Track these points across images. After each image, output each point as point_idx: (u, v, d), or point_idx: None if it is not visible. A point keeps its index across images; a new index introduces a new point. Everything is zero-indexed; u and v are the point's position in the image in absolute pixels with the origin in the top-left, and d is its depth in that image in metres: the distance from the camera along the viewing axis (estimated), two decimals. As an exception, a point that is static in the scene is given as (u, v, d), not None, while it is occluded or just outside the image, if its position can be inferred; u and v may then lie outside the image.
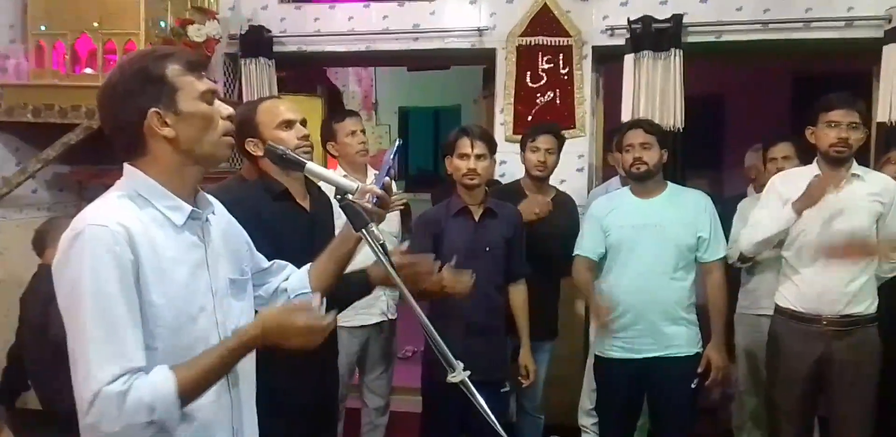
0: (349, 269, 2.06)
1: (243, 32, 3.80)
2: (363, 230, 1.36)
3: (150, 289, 1.21)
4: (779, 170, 2.85)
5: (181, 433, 1.26)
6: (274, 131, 1.88)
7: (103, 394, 1.13)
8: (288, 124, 1.91)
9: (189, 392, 1.21)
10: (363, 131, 2.99)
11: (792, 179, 2.59)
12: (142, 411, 1.15)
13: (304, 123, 1.96)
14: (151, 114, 1.25)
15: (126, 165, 1.31)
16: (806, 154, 2.67)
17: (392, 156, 1.69)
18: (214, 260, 1.36)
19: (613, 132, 3.39)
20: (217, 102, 1.33)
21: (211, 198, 1.42)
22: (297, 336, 1.27)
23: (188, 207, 1.32)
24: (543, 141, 2.89)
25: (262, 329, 1.26)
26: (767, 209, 2.59)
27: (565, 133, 3.59)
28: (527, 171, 2.97)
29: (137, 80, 1.26)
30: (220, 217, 1.43)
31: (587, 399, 3.39)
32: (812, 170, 2.57)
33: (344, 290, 1.71)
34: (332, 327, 1.30)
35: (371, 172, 3.09)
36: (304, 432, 1.97)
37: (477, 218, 2.52)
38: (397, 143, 1.77)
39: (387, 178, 1.57)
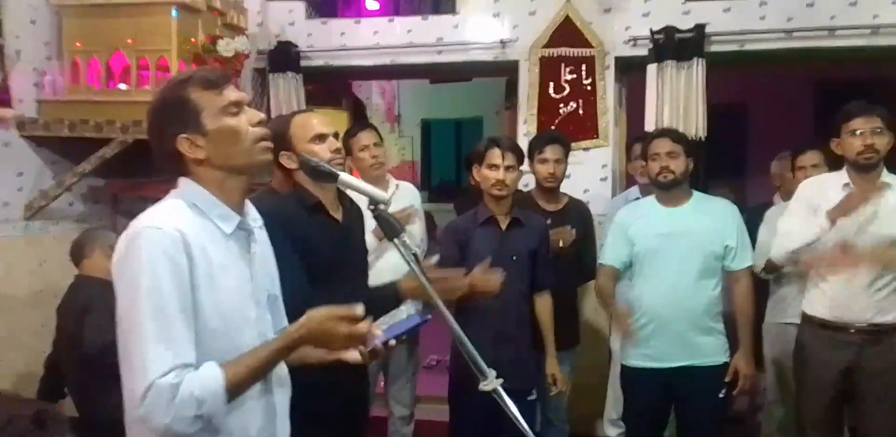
0: (377, 280, 2.11)
1: (271, 48, 3.88)
2: (395, 240, 1.40)
3: (201, 293, 1.27)
4: (807, 178, 2.84)
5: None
6: (307, 145, 1.92)
7: (156, 386, 1.18)
8: (321, 138, 1.94)
9: (235, 388, 1.27)
10: (376, 145, 2.98)
11: (821, 186, 2.58)
12: (192, 404, 1.20)
13: (336, 136, 2.00)
14: (181, 140, 1.32)
15: (181, 177, 1.38)
16: (834, 162, 2.66)
17: (414, 325, 1.52)
18: (258, 272, 1.41)
19: (633, 141, 3.41)
20: (246, 110, 1.38)
21: (255, 212, 1.47)
22: (336, 342, 1.34)
23: (237, 217, 1.38)
24: (551, 152, 2.90)
25: (308, 331, 1.32)
26: (797, 217, 2.57)
27: (588, 143, 3.64)
28: (537, 182, 2.99)
29: (165, 109, 1.35)
30: (263, 232, 1.48)
31: (612, 409, 3.38)
32: (841, 177, 2.55)
33: (375, 302, 1.73)
34: (369, 337, 1.37)
35: (392, 183, 3.12)
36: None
37: (504, 227, 2.54)
38: (427, 317, 1.54)
39: (394, 340, 1.46)
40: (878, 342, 2.46)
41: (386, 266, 2.66)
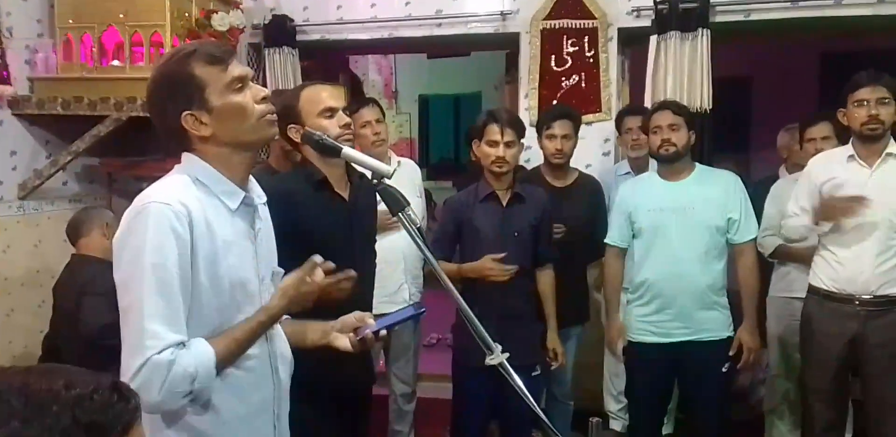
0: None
1: (266, 22, 3.80)
2: (400, 214, 1.37)
3: (201, 269, 1.26)
4: (817, 150, 2.80)
5: (229, 416, 1.32)
6: (316, 119, 1.88)
7: (152, 362, 1.19)
8: (331, 112, 1.90)
9: (223, 364, 1.29)
10: (378, 121, 2.94)
11: (828, 161, 2.56)
12: (185, 380, 1.21)
13: (346, 110, 1.96)
14: (185, 117, 1.30)
15: (185, 153, 1.36)
16: (845, 133, 2.62)
17: (406, 317, 1.57)
18: (261, 248, 1.41)
19: (619, 115, 3.36)
20: (251, 86, 1.35)
21: (259, 188, 1.45)
22: (321, 294, 1.42)
23: (241, 193, 1.36)
24: (559, 127, 2.86)
25: (285, 299, 1.37)
26: (803, 198, 2.58)
27: (591, 117, 3.58)
28: (545, 158, 2.95)
29: (168, 85, 1.31)
30: (266, 208, 1.47)
31: (611, 384, 3.39)
32: (846, 151, 2.53)
33: None
34: (353, 277, 1.45)
35: (394, 160, 3.08)
36: (340, 417, 1.99)
37: (505, 203, 2.51)
38: (421, 310, 1.59)
39: (384, 330, 1.49)
40: (883, 314, 2.46)
41: (388, 245, 2.62)
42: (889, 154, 2.47)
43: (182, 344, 1.22)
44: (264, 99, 1.35)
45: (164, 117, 1.32)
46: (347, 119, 1.94)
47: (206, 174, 1.33)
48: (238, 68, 1.34)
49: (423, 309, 1.62)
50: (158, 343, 1.19)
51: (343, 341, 1.51)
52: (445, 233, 2.56)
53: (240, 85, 1.32)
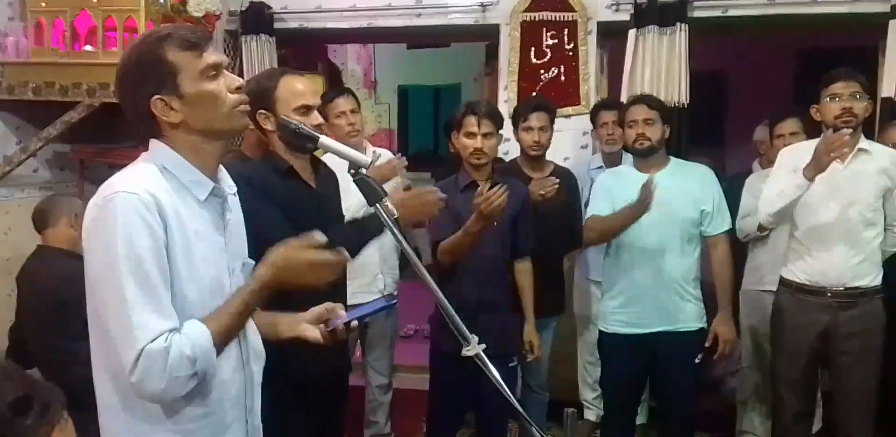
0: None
1: (243, 9, 3.76)
2: (377, 205, 1.36)
3: (177, 260, 1.24)
4: (786, 146, 2.84)
5: (198, 409, 1.29)
6: (290, 113, 1.84)
7: (147, 352, 1.16)
8: (306, 110, 1.88)
9: (221, 341, 1.26)
10: (354, 111, 2.91)
11: (800, 152, 2.58)
12: (185, 364, 1.19)
13: (320, 108, 1.94)
14: (155, 102, 1.26)
15: (152, 140, 1.32)
16: (813, 130, 2.67)
17: (378, 309, 1.56)
18: (232, 239, 1.38)
19: (595, 109, 3.37)
20: (225, 74, 1.32)
21: (229, 178, 1.42)
22: (308, 273, 1.31)
23: (211, 184, 1.33)
24: (536, 119, 2.85)
25: (274, 268, 1.30)
26: (781, 182, 2.58)
27: (570, 110, 3.59)
28: (522, 150, 2.95)
29: (139, 67, 1.27)
30: (236, 199, 1.44)
31: (586, 373, 3.42)
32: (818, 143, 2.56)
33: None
34: (343, 262, 1.34)
35: (370, 150, 3.06)
36: (315, 408, 1.98)
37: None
38: (392, 302, 1.61)
39: (356, 321, 1.49)
40: (852, 306, 2.51)
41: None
42: (861, 149, 2.51)
43: (174, 330, 1.20)
44: (238, 88, 1.32)
45: (133, 101, 1.28)
46: (320, 120, 1.91)
47: (174, 163, 1.29)
48: (213, 55, 1.30)
49: (394, 300, 1.63)
50: (148, 333, 1.17)
51: (314, 333, 1.49)
52: (444, 215, 2.51)
53: (214, 73, 1.29)
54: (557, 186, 2.76)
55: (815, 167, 2.41)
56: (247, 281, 1.33)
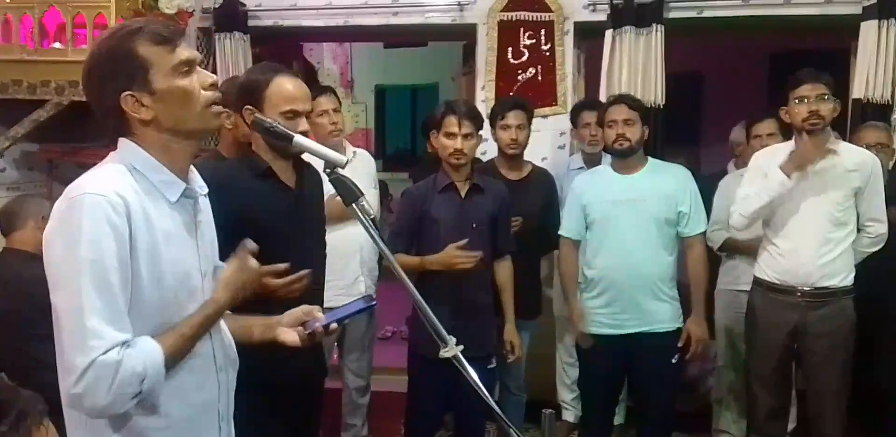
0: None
1: (217, 6, 3.70)
2: (354, 205, 1.34)
3: (141, 264, 1.19)
4: (763, 146, 2.87)
5: (173, 417, 1.26)
6: (277, 115, 1.80)
7: (99, 363, 1.12)
8: (294, 115, 1.85)
9: (172, 361, 1.23)
10: (335, 110, 2.89)
11: (773, 155, 2.61)
12: (134, 381, 1.15)
13: (309, 115, 1.91)
14: (125, 97, 1.22)
15: (121, 138, 1.27)
16: (790, 130, 2.69)
17: (357, 310, 1.53)
18: (203, 242, 1.35)
19: (576, 109, 3.38)
20: (199, 71, 1.28)
21: (200, 179, 1.38)
22: (258, 283, 1.39)
23: (182, 184, 1.29)
24: (513, 117, 2.85)
25: (232, 290, 1.32)
26: (753, 185, 2.61)
27: (547, 110, 3.59)
28: (499, 149, 2.94)
29: (109, 62, 1.23)
30: (207, 202, 1.40)
31: (564, 374, 3.43)
32: (789, 146, 2.60)
33: None
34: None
35: (349, 150, 3.03)
36: (290, 412, 1.95)
37: (463, 194, 2.49)
38: (371, 303, 1.58)
39: (335, 323, 1.45)
40: (822, 306, 2.54)
41: (344, 236, 2.58)
42: (829, 149, 2.54)
43: (126, 343, 1.15)
44: (212, 85, 1.28)
45: (102, 97, 1.24)
46: (307, 127, 1.87)
47: (144, 163, 1.25)
48: (186, 51, 1.26)
49: (373, 302, 1.59)
50: (103, 343, 1.12)
51: (291, 336, 1.45)
52: (404, 225, 2.53)
53: (187, 69, 1.25)
54: (520, 224, 2.78)
55: (798, 163, 2.45)
56: (204, 302, 1.30)
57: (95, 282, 1.13)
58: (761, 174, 2.60)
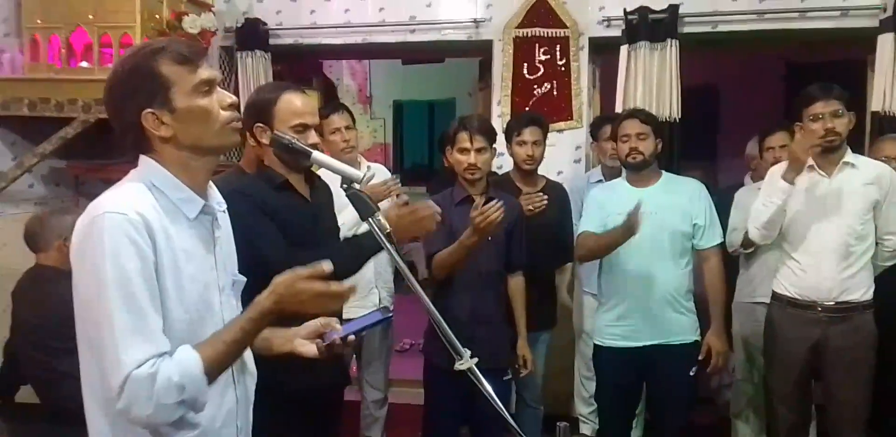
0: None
1: (239, 25, 3.79)
2: (370, 219, 1.37)
3: (166, 280, 1.21)
4: (776, 158, 2.88)
5: (188, 432, 1.27)
6: (287, 130, 1.84)
7: (133, 378, 1.14)
8: (304, 128, 1.89)
9: (214, 369, 1.23)
10: (348, 128, 2.93)
11: None
12: (172, 391, 1.16)
13: (318, 128, 1.95)
14: (145, 115, 1.24)
15: (142, 156, 1.30)
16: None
17: (374, 322, 1.53)
18: (222, 257, 1.36)
19: (596, 122, 3.41)
20: (218, 91, 1.31)
21: (219, 195, 1.41)
22: (311, 303, 1.27)
23: (200, 201, 1.31)
24: (529, 133, 2.88)
25: (278, 296, 1.25)
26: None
27: (562, 124, 3.62)
28: (515, 164, 2.97)
29: (131, 79, 1.25)
30: (226, 218, 1.42)
31: (582, 387, 3.42)
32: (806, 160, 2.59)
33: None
34: (349, 294, 1.30)
35: (364, 165, 3.08)
36: (309, 423, 1.97)
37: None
38: (388, 315, 1.58)
39: (353, 335, 1.46)
40: (843, 321, 2.52)
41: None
42: (846, 163, 2.53)
43: (165, 354, 1.18)
44: (231, 105, 1.31)
45: (123, 114, 1.26)
46: (316, 139, 1.91)
47: (164, 181, 1.27)
48: (207, 71, 1.29)
49: (390, 314, 1.60)
50: (136, 357, 1.14)
51: (309, 348, 1.46)
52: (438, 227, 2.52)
53: (207, 88, 1.28)
54: (546, 201, 2.78)
55: (794, 167, 2.46)
56: (246, 307, 1.29)
57: (122, 299, 1.15)
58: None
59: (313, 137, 1.90)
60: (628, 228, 2.43)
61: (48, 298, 2.39)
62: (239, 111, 1.35)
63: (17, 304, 2.57)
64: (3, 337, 2.72)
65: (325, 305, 1.28)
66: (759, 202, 2.62)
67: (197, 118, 1.26)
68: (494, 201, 2.30)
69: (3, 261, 3.13)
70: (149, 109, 1.24)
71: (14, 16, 3.21)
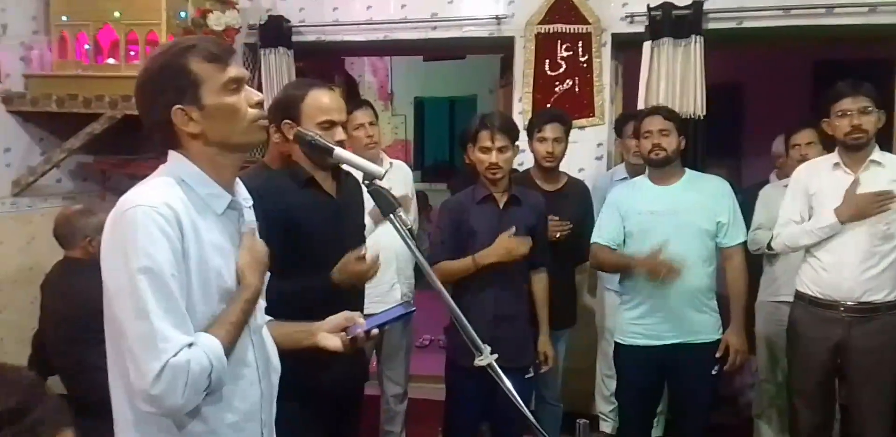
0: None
1: (262, 22, 3.81)
2: (391, 215, 1.38)
3: (192, 272, 1.24)
4: (802, 156, 2.84)
5: (217, 425, 1.30)
6: (314, 127, 1.86)
7: (172, 365, 1.16)
8: (330, 125, 1.90)
9: (230, 348, 1.28)
10: (371, 124, 2.95)
11: (814, 169, 2.59)
12: (204, 376, 1.21)
13: (345, 125, 1.96)
14: (175, 112, 1.26)
15: (171, 151, 1.33)
16: (830, 140, 2.66)
17: (397, 316, 1.58)
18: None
19: (620, 119, 3.38)
20: (246, 89, 1.33)
21: (245, 191, 1.43)
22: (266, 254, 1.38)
23: (228, 196, 1.34)
24: (550, 130, 2.86)
25: (257, 272, 1.34)
26: (798, 202, 2.60)
27: (584, 121, 3.60)
28: (536, 161, 2.96)
29: (162, 76, 1.28)
30: (251, 213, 1.45)
31: (603, 386, 3.41)
32: (831, 159, 2.57)
33: None
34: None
35: (386, 161, 3.09)
36: (330, 417, 1.99)
37: (501, 205, 2.51)
38: (411, 309, 1.62)
39: (376, 329, 1.51)
40: (867, 321, 2.49)
41: (380, 244, 2.63)
42: (873, 161, 2.50)
43: (191, 344, 1.21)
44: (258, 103, 1.33)
45: (153, 109, 1.29)
46: (343, 136, 1.92)
47: (192, 176, 1.30)
48: (236, 69, 1.31)
49: (412, 308, 1.62)
50: (171, 346, 1.17)
51: (333, 342, 1.50)
52: (446, 235, 2.54)
53: (235, 86, 1.30)
54: (569, 231, 2.80)
55: (852, 214, 2.43)
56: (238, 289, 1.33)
57: (155, 289, 1.18)
58: (802, 192, 2.57)
59: (340, 133, 1.91)
60: (644, 263, 2.51)
61: (77, 289, 2.43)
62: (264, 109, 1.37)
63: (46, 295, 2.63)
64: (33, 328, 2.77)
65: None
66: (787, 211, 2.61)
67: (225, 115, 1.29)
68: (527, 239, 2.38)
69: (31, 254, 3.19)
70: (178, 106, 1.26)
71: (42, 13, 3.26)
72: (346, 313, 1.53)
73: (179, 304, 1.21)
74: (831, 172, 2.52)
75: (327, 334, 1.51)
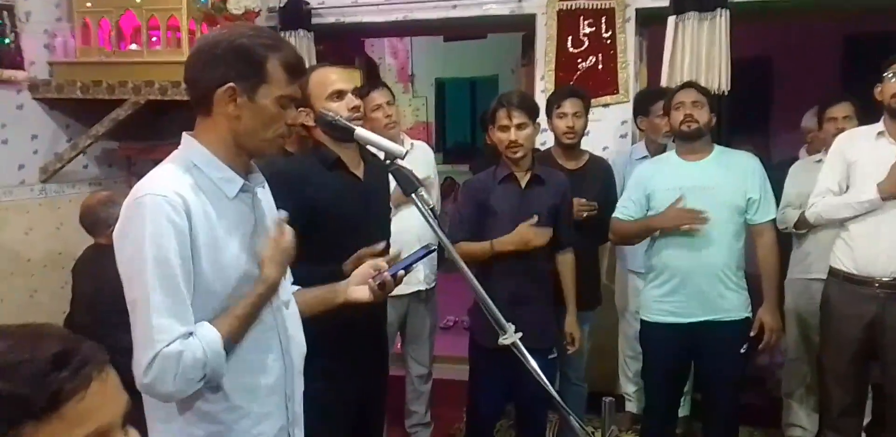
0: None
1: (282, 5, 3.80)
2: (413, 195, 1.37)
3: (202, 258, 1.26)
4: (837, 130, 2.75)
5: (240, 399, 1.33)
6: (325, 102, 1.87)
7: (162, 355, 1.20)
8: (339, 94, 1.90)
9: (230, 342, 1.30)
10: (389, 104, 2.93)
11: (853, 139, 2.51)
12: (197, 367, 1.23)
13: (355, 92, 1.95)
14: (228, 88, 1.29)
15: (185, 134, 1.35)
16: (866, 114, 2.58)
17: (420, 256, 1.63)
18: (262, 234, 1.40)
19: (644, 98, 3.31)
20: (291, 109, 1.37)
21: (260, 175, 1.45)
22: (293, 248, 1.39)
23: (240, 180, 1.35)
24: (570, 105, 2.82)
25: (278, 266, 1.35)
26: (837, 173, 2.52)
27: (608, 99, 3.55)
28: (556, 138, 2.92)
29: (237, 54, 1.30)
30: (266, 193, 1.47)
31: (626, 366, 3.40)
32: (875, 128, 2.48)
33: None
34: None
35: (407, 142, 3.08)
36: (354, 398, 2.01)
37: (523, 185, 2.49)
38: (433, 249, 1.67)
39: (402, 270, 1.56)
40: None
41: (403, 225, 2.63)
42: None
43: (191, 333, 1.24)
44: (290, 125, 1.38)
45: (209, 71, 1.30)
46: (357, 101, 1.93)
47: (204, 160, 1.32)
48: (295, 89, 1.35)
49: (434, 247, 1.66)
50: (167, 336, 1.21)
51: (362, 292, 1.54)
52: (466, 215, 2.53)
53: (286, 103, 1.35)
54: (596, 212, 2.77)
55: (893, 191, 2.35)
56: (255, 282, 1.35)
57: (159, 278, 1.21)
58: (841, 161, 2.51)
59: (353, 100, 1.91)
60: (666, 218, 2.48)
61: (106, 271, 2.46)
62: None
63: (77, 279, 2.68)
64: (64, 312, 2.83)
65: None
66: (826, 181, 2.53)
67: (263, 119, 1.32)
68: (547, 230, 2.38)
69: (61, 239, 3.25)
70: (233, 85, 1.29)
71: (66, 0, 3.28)
72: (370, 262, 1.58)
73: (183, 294, 1.23)
74: (874, 141, 2.44)
75: (355, 288, 1.55)
